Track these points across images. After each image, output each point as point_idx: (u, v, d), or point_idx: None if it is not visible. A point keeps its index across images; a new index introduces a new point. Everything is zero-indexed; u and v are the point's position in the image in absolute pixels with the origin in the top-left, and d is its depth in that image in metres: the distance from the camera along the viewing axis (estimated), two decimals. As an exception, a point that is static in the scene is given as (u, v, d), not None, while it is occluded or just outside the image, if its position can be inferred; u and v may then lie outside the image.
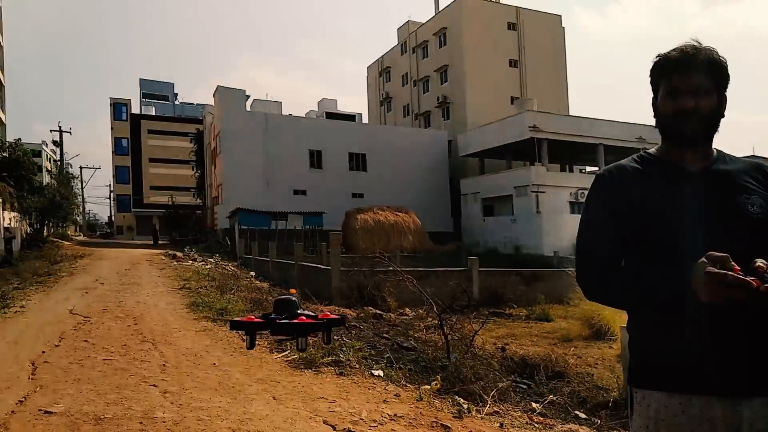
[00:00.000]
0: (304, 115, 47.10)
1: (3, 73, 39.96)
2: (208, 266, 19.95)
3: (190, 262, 23.17)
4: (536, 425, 4.47)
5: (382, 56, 54.95)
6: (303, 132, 37.31)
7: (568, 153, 36.80)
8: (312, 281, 14.43)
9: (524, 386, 5.74)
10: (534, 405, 5.07)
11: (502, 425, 4.39)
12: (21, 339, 7.30)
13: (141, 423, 4.11)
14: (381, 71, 55.04)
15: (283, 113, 43.19)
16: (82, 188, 59.61)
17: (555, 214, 30.92)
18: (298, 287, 11.51)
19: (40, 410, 4.36)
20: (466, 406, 4.71)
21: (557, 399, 5.28)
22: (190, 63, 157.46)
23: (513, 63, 44.70)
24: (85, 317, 9.03)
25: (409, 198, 36.27)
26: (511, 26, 44.71)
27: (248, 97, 39.51)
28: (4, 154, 27.40)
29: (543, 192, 31.44)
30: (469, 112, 42.14)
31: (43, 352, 6.50)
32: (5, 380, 5.24)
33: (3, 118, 40.39)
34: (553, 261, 24.25)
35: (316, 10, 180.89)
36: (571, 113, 41.37)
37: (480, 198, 36.50)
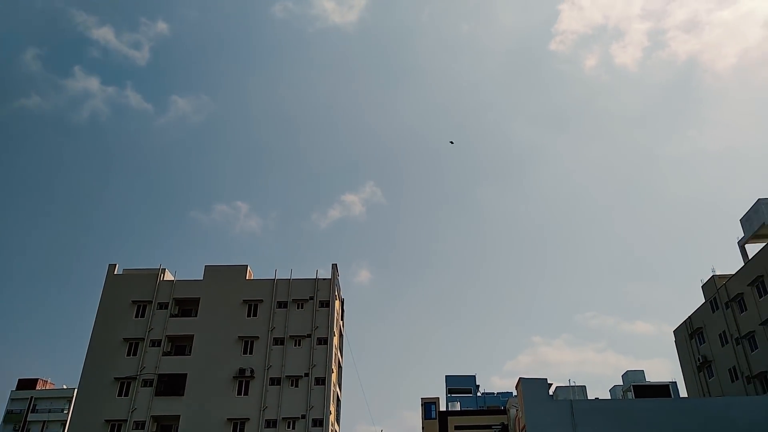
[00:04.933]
0: (608, 393, 43.47)
1: (340, 389, 47.32)
2: None
3: None
4: None
5: (690, 316, 49.99)
6: (612, 416, 33.70)
7: None
8: None
9: None
10: None
11: None
12: None
13: None
14: (692, 333, 49.36)
15: (589, 396, 40.40)
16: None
17: None
18: None
19: None
20: None
21: None
22: (486, 351, 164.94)
23: None
24: None
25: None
26: None
27: (551, 385, 38.43)
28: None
29: None
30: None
31: None
32: None
33: (338, 429, 46.22)
34: None
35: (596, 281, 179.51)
36: None
37: None
